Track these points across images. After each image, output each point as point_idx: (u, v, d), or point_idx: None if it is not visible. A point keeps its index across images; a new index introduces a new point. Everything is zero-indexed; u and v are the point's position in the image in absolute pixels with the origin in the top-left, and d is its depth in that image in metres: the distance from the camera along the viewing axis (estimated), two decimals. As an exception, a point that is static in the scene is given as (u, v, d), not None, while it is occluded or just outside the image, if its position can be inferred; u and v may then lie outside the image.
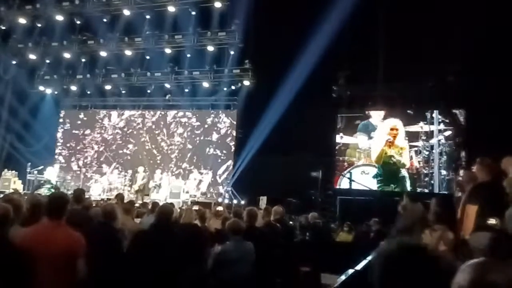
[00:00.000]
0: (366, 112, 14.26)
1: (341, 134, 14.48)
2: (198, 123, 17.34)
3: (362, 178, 14.04)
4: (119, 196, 7.59)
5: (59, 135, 19.24)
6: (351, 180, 14.01)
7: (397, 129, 13.72)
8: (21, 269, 3.02)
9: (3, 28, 17.31)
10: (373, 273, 1.59)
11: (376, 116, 14.19)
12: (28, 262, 3.13)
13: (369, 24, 13.08)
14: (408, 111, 13.76)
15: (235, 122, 16.65)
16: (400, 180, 13.60)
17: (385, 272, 1.54)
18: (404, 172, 13.58)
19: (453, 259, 3.06)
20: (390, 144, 13.73)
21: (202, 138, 17.13)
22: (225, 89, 16.50)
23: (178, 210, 7.51)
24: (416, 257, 1.57)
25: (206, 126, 17.19)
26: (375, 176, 13.96)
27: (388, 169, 13.76)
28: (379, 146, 13.91)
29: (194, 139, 17.25)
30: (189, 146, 17.24)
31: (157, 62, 16.88)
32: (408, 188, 13.27)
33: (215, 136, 16.95)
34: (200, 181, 16.37)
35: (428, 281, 1.52)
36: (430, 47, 12.36)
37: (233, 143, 16.55)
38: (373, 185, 13.88)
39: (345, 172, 14.28)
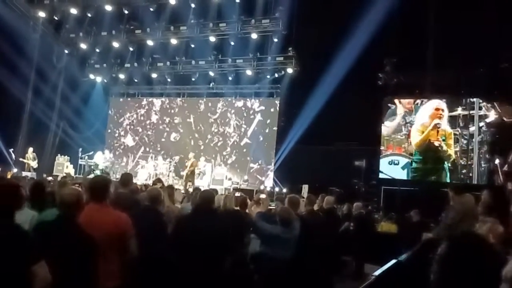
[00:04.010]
0: (395, 100, 13.47)
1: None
2: (262, 108, 17.24)
3: (390, 168, 13.32)
4: (159, 181, 7.68)
5: (108, 121, 19.95)
6: (378, 171, 13.49)
7: (442, 110, 12.62)
8: (91, 252, 3.05)
9: (56, 18, 17.98)
10: (435, 263, 1.61)
11: (404, 103, 13.35)
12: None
13: (418, 9, 12.60)
14: (455, 98, 12.78)
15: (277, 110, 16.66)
16: (440, 172, 12.52)
17: (447, 262, 1.54)
18: (445, 164, 12.48)
19: (503, 252, 2.95)
20: (438, 129, 12.58)
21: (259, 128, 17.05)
22: (268, 77, 16.49)
23: (222, 196, 7.62)
24: (477, 248, 1.56)
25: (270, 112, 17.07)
26: (409, 164, 13.00)
27: (429, 158, 12.69)
28: (419, 130, 12.89)
29: (248, 128, 17.25)
30: (245, 136, 17.27)
31: (201, 50, 17.06)
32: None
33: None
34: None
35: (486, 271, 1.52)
36: (483, 33, 11.72)
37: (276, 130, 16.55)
38: (402, 176, 13.06)
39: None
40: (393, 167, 13.31)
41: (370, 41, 12.48)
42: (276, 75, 16.31)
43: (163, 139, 18.63)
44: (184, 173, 15.22)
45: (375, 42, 12.46)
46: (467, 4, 11.55)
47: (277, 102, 16.75)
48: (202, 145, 17.77)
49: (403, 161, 13.26)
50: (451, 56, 12.11)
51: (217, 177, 15.40)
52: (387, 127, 13.56)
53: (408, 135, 13.23)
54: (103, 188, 3.55)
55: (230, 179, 15.83)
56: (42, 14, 17.69)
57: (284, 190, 13.74)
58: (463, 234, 1.69)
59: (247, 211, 6.33)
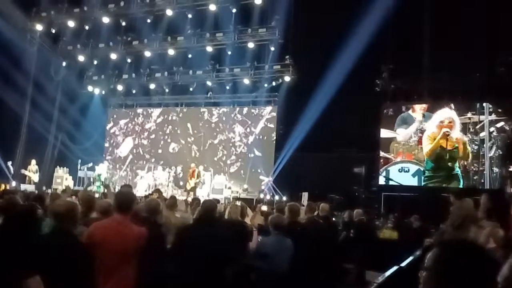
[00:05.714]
0: (408, 105, 13.52)
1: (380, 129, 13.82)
2: (261, 116, 17.16)
3: (400, 176, 13.26)
4: (158, 191, 7.69)
5: (107, 133, 19.94)
6: (388, 179, 13.46)
7: (449, 121, 12.59)
8: (87, 265, 3.06)
9: (53, 31, 18.04)
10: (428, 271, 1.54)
11: (418, 109, 13.38)
12: (94, 256, 3.20)
13: (414, 14, 12.68)
14: (455, 102, 12.80)
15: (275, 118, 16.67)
16: (453, 179, 12.43)
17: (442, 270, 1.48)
18: (457, 170, 12.41)
19: (503, 256, 2.92)
20: (448, 136, 12.45)
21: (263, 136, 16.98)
22: (266, 85, 16.51)
23: (222, 205, 7.59)
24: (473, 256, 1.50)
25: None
26: (422, 172, 12.95)
27: (441, 166, 12.61)
28: (430, 138, 12.85)
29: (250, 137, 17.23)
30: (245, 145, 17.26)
31: (198, 60, 17.11)
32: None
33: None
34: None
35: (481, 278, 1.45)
36: (479, 37, 11.77)
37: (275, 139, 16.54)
38: (413, 183, 13.03)
39: (382, 170, 13.61)
40: (403, 175, 13.24)
41: (366, 47, 12.53)
42: (274, 84, 16.34)
43: (161, 150, 18.60)
44: (192, 182, 15.06)
45: (372, 49, 12.51)
46: (462, 9, 11.62)
47: (275, 110, 16.76)
48: (201, 154, 17.73)
49: (414, 168, 13.19)
50: (448, 61, 12.16)
51: (216, 186, 15.35)
52: (398, 134, 13.52)
53: (418, 142, 13.19)
54: (130, 202, 3.63)
55: (229, 188, 15.78)
56: (39, 27, 17.75)
57: (284, 198, 13.69)
58: (455, 239, 1.66)
59: (248, 221, 6.30)
